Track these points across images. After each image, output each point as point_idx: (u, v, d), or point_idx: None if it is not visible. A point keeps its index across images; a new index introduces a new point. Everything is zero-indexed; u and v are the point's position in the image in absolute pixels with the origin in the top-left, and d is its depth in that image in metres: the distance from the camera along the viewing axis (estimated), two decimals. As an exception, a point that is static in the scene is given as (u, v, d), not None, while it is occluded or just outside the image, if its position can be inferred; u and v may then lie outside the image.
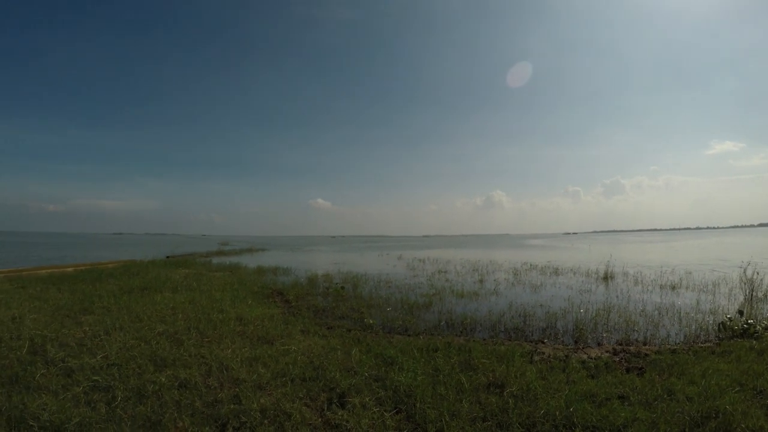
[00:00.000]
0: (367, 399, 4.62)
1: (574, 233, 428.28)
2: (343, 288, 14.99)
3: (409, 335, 8.43)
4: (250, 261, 31.01)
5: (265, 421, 4.13)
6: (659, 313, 10.78)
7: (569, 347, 7.75)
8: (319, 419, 4.24)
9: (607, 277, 19.03)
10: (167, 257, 31.96)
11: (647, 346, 7.78)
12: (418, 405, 4.49)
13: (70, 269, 17.93)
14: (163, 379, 5.09)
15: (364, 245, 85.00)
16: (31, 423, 3.95)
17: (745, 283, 13.77)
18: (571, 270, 22.88)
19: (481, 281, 18.36)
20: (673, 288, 15.60)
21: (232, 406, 4.40)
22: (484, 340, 8.13)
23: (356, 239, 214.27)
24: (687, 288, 15.58)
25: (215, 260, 30.09)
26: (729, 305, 11.87)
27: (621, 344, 8.01)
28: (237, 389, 4.86)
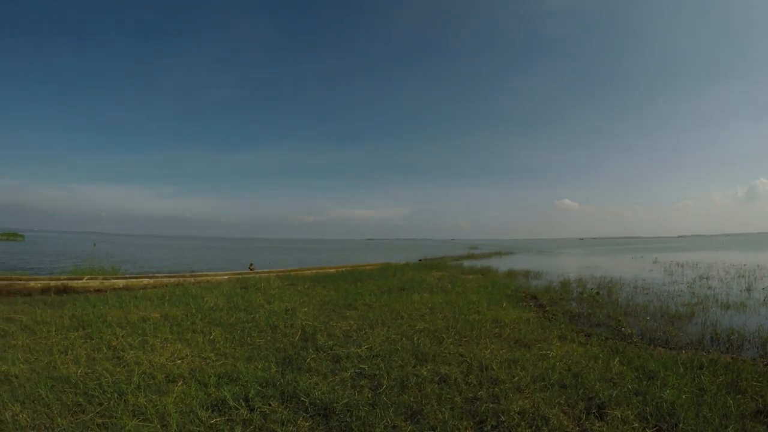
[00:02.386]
0: (627, 412, 4.37)
1: None
2: (598, 293, 14.15)
3: (670, 348, 7.81)
4: (499, 264, 31.70)
5: (523, 423, 4.13)
6: None
7: None
8: (577, 428, 4.17)
9: None
10: (420, 260, 34.41)
11: None
12: (680, 426, 4.15)
13: (332, 270, 20.59)
14: (425, 373, 5.40)
15: (614, 247, 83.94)
16: (302, 399, 4.54)
17: None
18: None
19: (748, 290, 16.03)
20: None
21: (490, 405, 4.49)
22: (754, 360, 7.09)
23: (605, 241, 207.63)
24: None
25: (466, 263, 31.32)
26: None
27: None
28: (496, 389, 4.96)
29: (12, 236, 75.54)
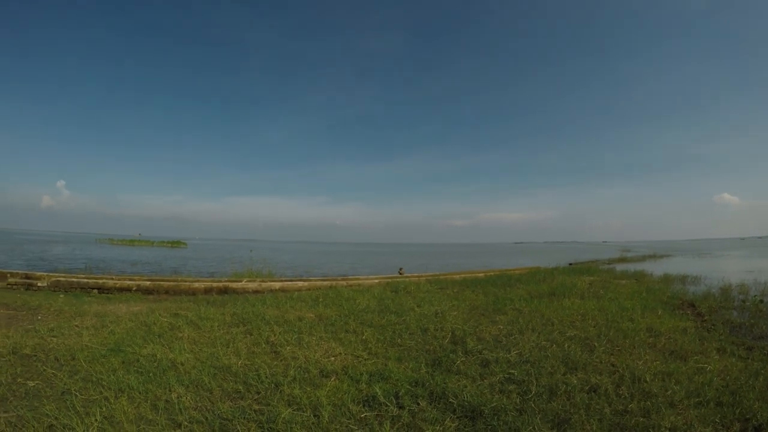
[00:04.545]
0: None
1: None
2: (761, 301, 12.57)
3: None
4: (654, 268, 29.86)
5: (673, 441, 4.00)
6: None
7: None
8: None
9: None
10: (570, 264, 33.35)
11: None
12: None
13: (480, 274, 20.66)
14: (575, 381, 5.37)
15: (783, 247, 74.12)
16: (451, 400, 4.79)
17: None
18: None
19: None
20: None
21: (640, 419, 4.39)
22: None
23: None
24: None
25: (618, 267, 30.09)
26: None
27: None
28: (647, 402, 4.82)
29: (177, 244, 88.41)
